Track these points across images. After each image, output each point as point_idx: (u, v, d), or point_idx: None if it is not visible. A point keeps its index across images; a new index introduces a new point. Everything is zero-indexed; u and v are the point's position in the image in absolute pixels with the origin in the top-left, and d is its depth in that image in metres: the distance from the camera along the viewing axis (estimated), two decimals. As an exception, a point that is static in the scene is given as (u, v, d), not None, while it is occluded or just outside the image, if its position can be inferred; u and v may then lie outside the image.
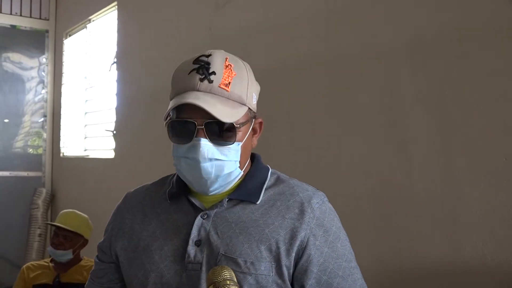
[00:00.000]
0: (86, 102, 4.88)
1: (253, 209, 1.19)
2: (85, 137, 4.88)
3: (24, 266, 3.05)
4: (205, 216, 1.19)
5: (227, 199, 1.20)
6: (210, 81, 1.13)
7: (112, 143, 4.28)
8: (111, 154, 4.31)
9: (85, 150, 4.88)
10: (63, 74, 5.39)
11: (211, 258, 1.14)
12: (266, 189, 1.23)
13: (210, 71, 1.14)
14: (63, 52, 5.41)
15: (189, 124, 1.13)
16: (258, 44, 2.62)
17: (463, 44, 1.72)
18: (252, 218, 1.18)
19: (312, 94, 2.31)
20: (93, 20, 4.80)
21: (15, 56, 5.39)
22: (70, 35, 5.34)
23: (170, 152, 3.77)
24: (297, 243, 1.15)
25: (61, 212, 3.08)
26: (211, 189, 1.17)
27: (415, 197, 1.86)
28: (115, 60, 4.26)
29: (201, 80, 1.13)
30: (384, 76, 1.99)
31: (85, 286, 1.41)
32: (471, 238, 1.68)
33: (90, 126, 4.81)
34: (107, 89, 4.44)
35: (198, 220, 1.19)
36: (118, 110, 4.18)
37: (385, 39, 1.99)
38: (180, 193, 1.25)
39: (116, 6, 4.29)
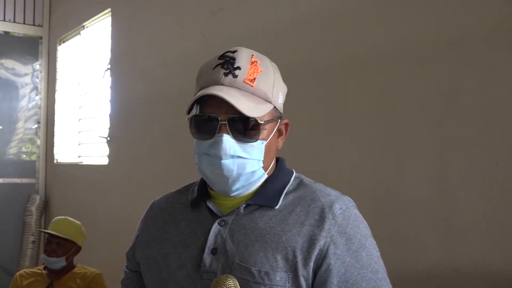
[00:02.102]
0: (79, 108, 4.88)
1: (271, 215, 1.13)
2: (79, 144, 4.87)
3: (17, 273, 3.03)
4: (223, 223, 1.15)
5: (244, 205, 1.15)
6: (235, 76, 1.11)
7: (106, 150, 4.28)
8: (105, 161, 4.30)
9: (79, 156, 4.86)
10: (57, 81, 5.39)
11: (226, 267, 1.10)
12: (287, 193, 1.17)
13: (235, 66, 1.12)
14: (57, 59, 5.40)
15: (212, 119, 1.10)
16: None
17: (458, 51, 1.74)
18: (270, 225, 1.12)
19: (308, 100, 2.32)
20: (87, 27, 4.80)
21: (8, 63, 5.37)
22: (64, 42, 5.34)
23: (165, 158, 3.74)
24: (316, 251, 1.07)
25: (54, 219, 3.07)
26: (232, 188, 1.13)
27: (409, 202, 1.86)
28: (109, 66, 4.26)
29: (226, 74, 1.11)
30: (378, 83, 2.00)
31: None
32: (464, 243, 1.68)
33: (83, 132, 4.80)
34: (101, 95, 4.44)
35: (215, 227, 1.15)
36: (112, 117, 4.18)
37: (380, 46, 2.00)
38: (200, 199, 1.21)
39: (110, 13, 4.29)
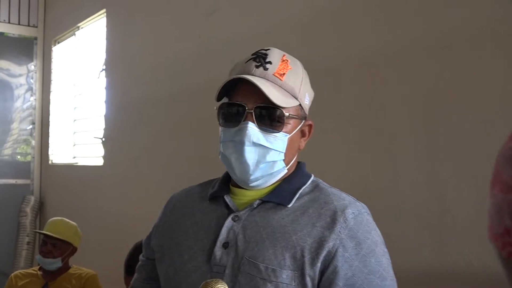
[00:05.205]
0: (74, 109, 4.87)
1: (284, 215, 1.16)
2: (74, 145, 4.86)
3: (12, 274, 3.03)
4: (236, 218, 1.18)
5: (258, 202, 1.18)
6: (266, 69, 1.17)
7: (101, 151, 4.27)
8: (100, 162, 4.29)
9: (74, 157, 4.86)
10: (52, 81, 5.38)
11: (235, 261, 1.13)
12: (301, 195, 1.20)
13: (267, 60, 1.18)
14: (52, 59, 5.39)
15: (239, 108, 1.15)
16: (247, 51, 2.61)
17: (448, 52, 1.75)
18: (281, 223, 1.14)
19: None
20: (82, 27, 4.80)
21: (3, 63, 5.36)
22: (58, 42, 5.33)
23: (160, 159, 3.72)
24: (324, 253, 1.08)
25: (50, 220, 3.07)
26: (252, 177, 1.16)
27: (401, 202, 1.87)
28: (104, 67, 4.26)
29: (257, 66, 1.17)
30: (370, 83, 2.01)
31: (131, 280, 1.45)
32: (457, 243, 1.69)
33: (78, 133, 4.80)
34: (96, 96, 4.43)
35: (229, 222, 1.18)
36: (107, 117, 4.17)
37: (371, 47, 2.01)
38: (220, 193, 1.24)
39: (105, 13, 4.29)
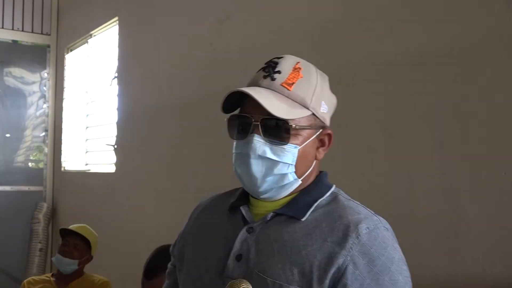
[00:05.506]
0: (87, 116, 4.90)
1: (296, 228, 1.12)
2: (86, 152, 4.89)
3: (25, 280, 3.04)
4: (251, 230, 1.15)
5: (272, 214, 1.15)
6: (273, 79, 1.14)
7: (113, 158, 4.29)
8: (112, 169, 4.31)
9: (86, 164, 4.88)
10: (65, 89, 5.42)
11: (246, 274, 1.10)
12: (318, 207, 1.15)
13: (276, 70, 1.16)
14: (65, 67, 5.44)
15: (246, 120, 1.13)
16: (258, 59, 2.62)
17: (463, 59, 1.74)
18: (294, 237, 1.10)
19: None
20: (94, 35, 4.84)
21: (17, 71, 5.42)
22: (71, 50, 5.37)
23: (172, 166, 3.71)
24: (333, 270, 1.04)
25: (74, 225, 3.09)
26: (260, 189, 1.14)
27: (415, 212, 1.86)
28: (116, 74, 4.29)
29: (265, 77, 1.15)
30: (384, 91, 2.00)
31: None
32: (471, 253, 1.68)
33: (91, 140, 4.82)
34: (108, 103, 4.46)
35: (243, 233, 1.16)
36: (119, 125, 4.20)
37: (385, 55, 2.00)
38: (238, 203, 1.22)
39: (117, 21, 4.32)
